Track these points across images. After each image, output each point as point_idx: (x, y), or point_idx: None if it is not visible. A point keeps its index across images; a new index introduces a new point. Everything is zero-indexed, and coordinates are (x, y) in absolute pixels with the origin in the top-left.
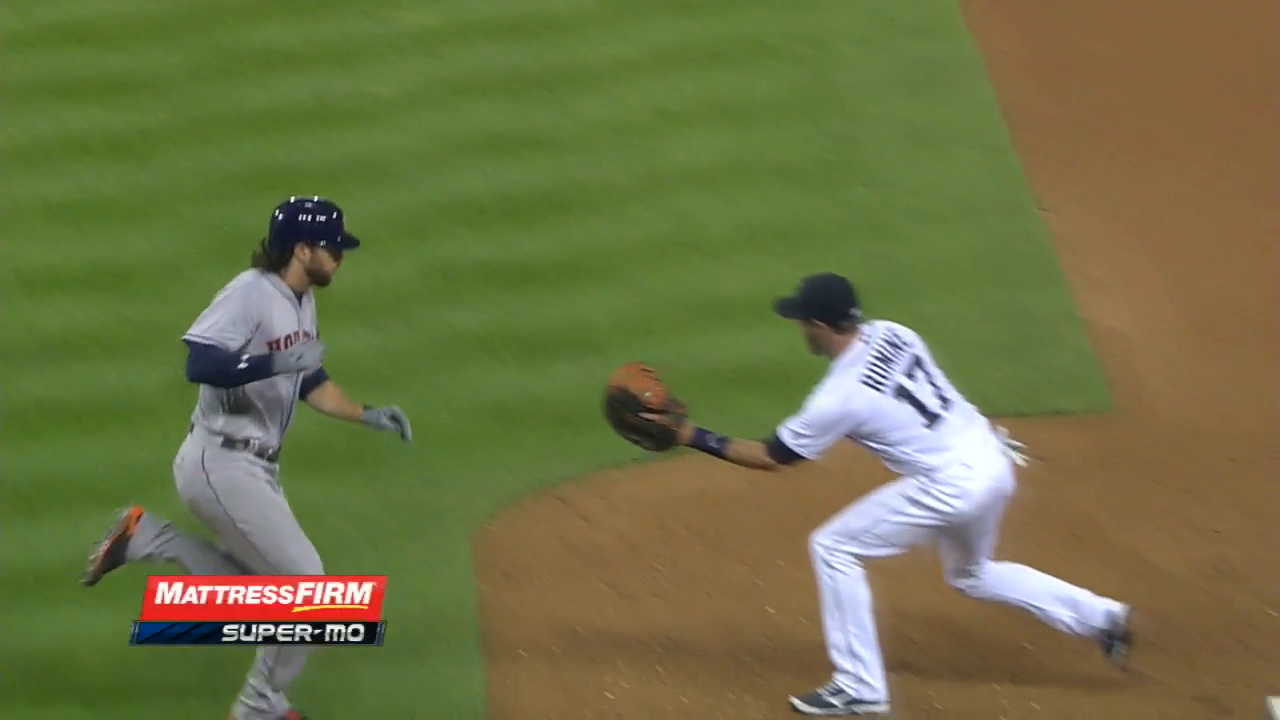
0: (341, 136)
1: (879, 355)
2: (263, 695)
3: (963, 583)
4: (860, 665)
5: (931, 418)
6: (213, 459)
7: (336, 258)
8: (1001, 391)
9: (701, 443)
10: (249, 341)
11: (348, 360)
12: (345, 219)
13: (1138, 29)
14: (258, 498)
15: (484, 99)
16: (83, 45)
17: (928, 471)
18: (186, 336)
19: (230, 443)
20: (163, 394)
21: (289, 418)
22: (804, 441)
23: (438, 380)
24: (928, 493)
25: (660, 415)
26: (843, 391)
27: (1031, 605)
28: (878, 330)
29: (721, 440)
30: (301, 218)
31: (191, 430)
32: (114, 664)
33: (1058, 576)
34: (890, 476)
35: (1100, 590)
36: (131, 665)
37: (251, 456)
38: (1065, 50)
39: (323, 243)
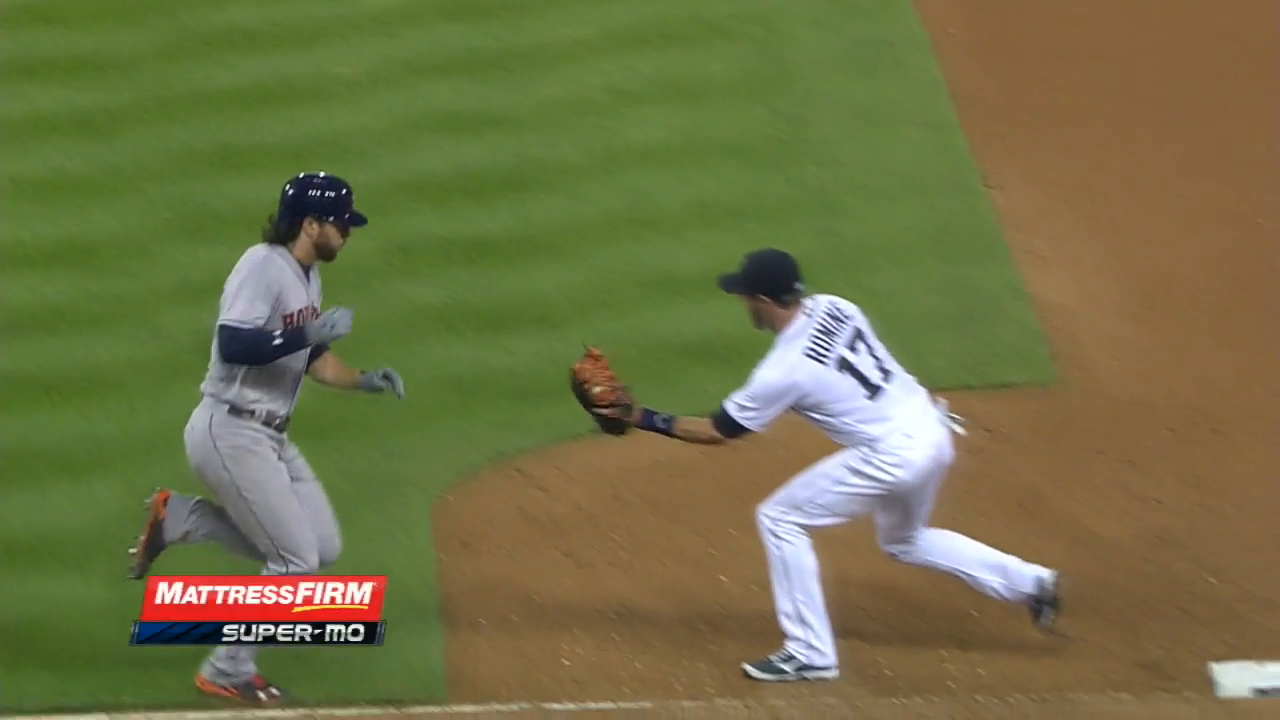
0: (303, 115)
1: (821, 328)
2: (232, 657)
3: (895, 548)
4: (810, 632)
5: (873, 389)
6: (220, 425)
7: (344, 234)
8: (948, 364)
9: (649, 424)
10: (273, 314)
11: None
12: (354, 196)
13: (1080, 11)
14: (263, 469)
15: (443, 79)
16: (50, 26)
17: (870, 442)
18: (223, 322)
19: (237, 410)
20: (128, 367)
21: (298, 387)
22: (749, 414)
23: (397, 354)
24: (869, 462)
25: (609, 409)
26: (787, 364)
27: (961, 571)
28: (820, 304)
29: (668, 419)
30: (311, 193)
31: (201, 398)
32: (81, 632)
33: (1003, 546)
34: (834, 447)
35: (1044, 558)
36: (97, 634)
37: (258, 425)
38: (1010, 31)
39: (331, 218)
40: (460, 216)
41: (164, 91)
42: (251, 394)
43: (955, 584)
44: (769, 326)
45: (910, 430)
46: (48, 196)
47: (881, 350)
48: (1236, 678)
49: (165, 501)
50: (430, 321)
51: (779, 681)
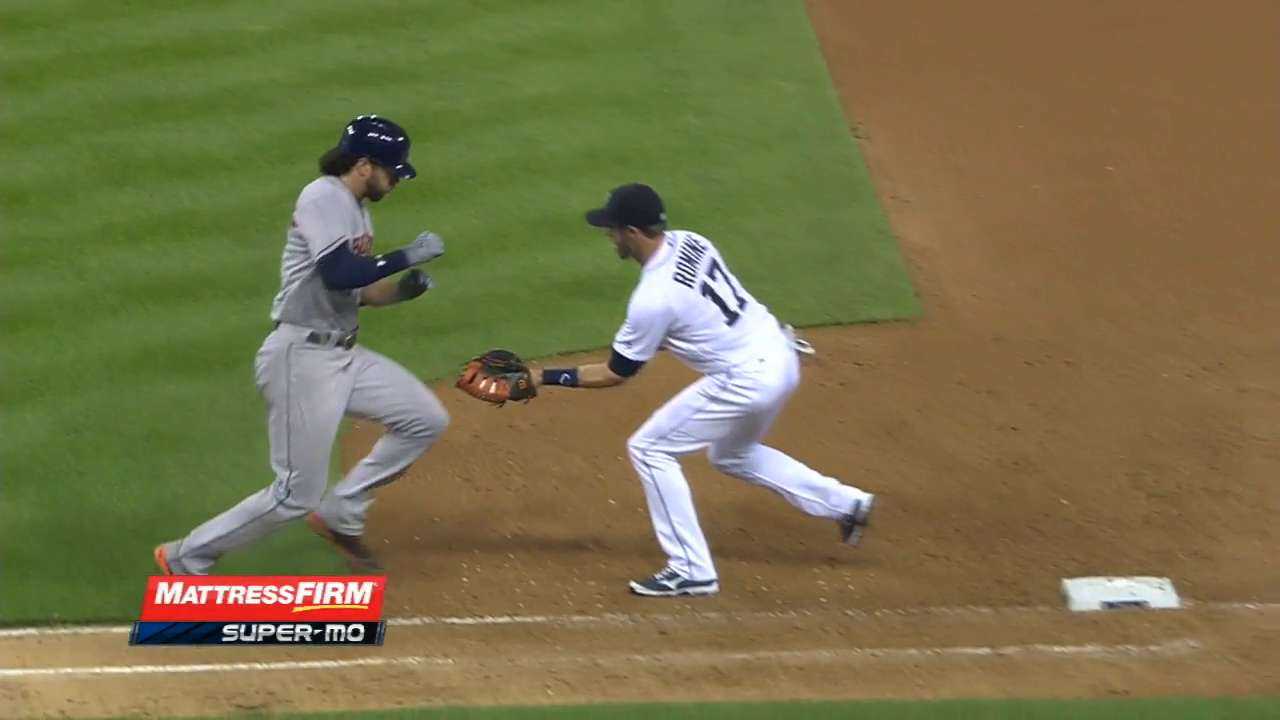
0: (217, 69)
1: (684, 256)
2: (202, 548)
3: (726, 461)
4: (689, 550)
5: (731, 315)
6: (298, 352)
7: (393, 180)
8: (820, 302)
9: (555, 382)
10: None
11: (224, 274)
12: (409, 148)
13: None
14: (320, 407)
15: (348, 35)
16: None
17: (727, 369)
18: (322, 253)
19: (315, 337)
20: (55, 304)
21: (357, 308)
22: (636, 347)
23: None
24: (727, 389)
25: (513, 400)
26: (659, 289)
27: (782, 489)
28: (679, 236)
29: (571, 374)
30: (370, 135)
31: (276, 327)
32: (11, 552)
33: (871, 471)
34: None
35: (910, 482)
36: (27, 553)
37: (332, 348)
38: None
39: (384, 164)
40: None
41: (87, 47)
42: (326, 320)
43: None
44: (635, 257)
45: (764, 355)
46: None
47: (735, 280)
48: (1087, 593)
49: (163, 555)
50: None
51: (663, 597)
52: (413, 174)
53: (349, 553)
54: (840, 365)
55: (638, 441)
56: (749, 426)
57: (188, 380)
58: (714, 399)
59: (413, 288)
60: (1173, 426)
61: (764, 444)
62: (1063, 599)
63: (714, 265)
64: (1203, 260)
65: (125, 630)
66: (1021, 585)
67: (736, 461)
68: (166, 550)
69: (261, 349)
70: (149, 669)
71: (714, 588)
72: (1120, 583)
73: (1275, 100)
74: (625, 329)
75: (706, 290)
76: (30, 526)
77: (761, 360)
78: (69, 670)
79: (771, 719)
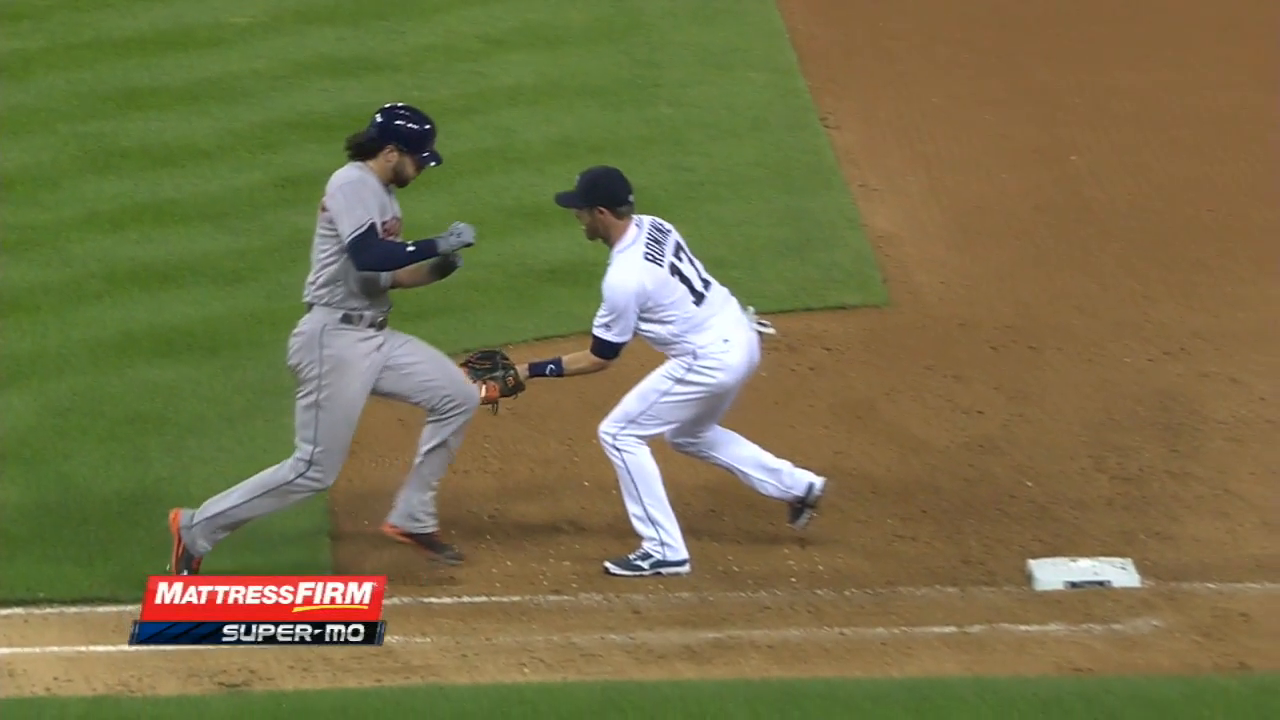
0: (200, 60)
1: (651, 238)
2: (215, 518)
3: (683, 440)
4: (661, 530)
5: (698, 296)
6: (331, 333)
7: (418, 167)
8: (790, 288)
9: (542, 374)
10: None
11: (206, 261)
12: (436, 137)
13: None
14: (349, 388)
15: (327, 27)
16: None
17: (692, 351)
18: (351, 235)
19: (348, 319)
20: (41, 291)
21: (389, 290)
22: (615, 329)
23: (285, 277)
24: (693, 370)
25: (503, 398)
26: (631, 268)
27: (737, 469)
28: (644, 220)
29: (556, 364)
30: (397, 123)
31: (310, 309)
32: None
33: (840, 454)
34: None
35: (878, 464)
36: (13, 533)
37: (365, 330)
38: None
39: (410, 151)
40: (343, 153)
41: (72, 38)
42: (359, 301)
43: None
44: (603, 238)
45: (728, 335)
46: None
47: (699, 263)
48: (1051, 572)
49: (177, 519)
50: None
51: (636, 577)
52: (439, 161)
53: (428, 550)
54: (810, 350)
55: (607, 427)
56: (712, 407)
57: (171, 365)
58: (680, 381)
59: (444, 268)
60: (1135, 410)
61: (721, 425)
62: (1027, 578)
63: (679, 247)
64: (1164, 247)
65: (110, 610)
66: (987, 565)
67: (693, 441)
68: (181, 516)
69: (295, 330)
70: (133, 648)
71: (686, 568)
72: (1083, 563)
73: (1235, 90)
74: (602, 312)
75: (675, 271)
76: (16, 508)
77: (726, 341)
78: (55, 649)
79: (742, 696)
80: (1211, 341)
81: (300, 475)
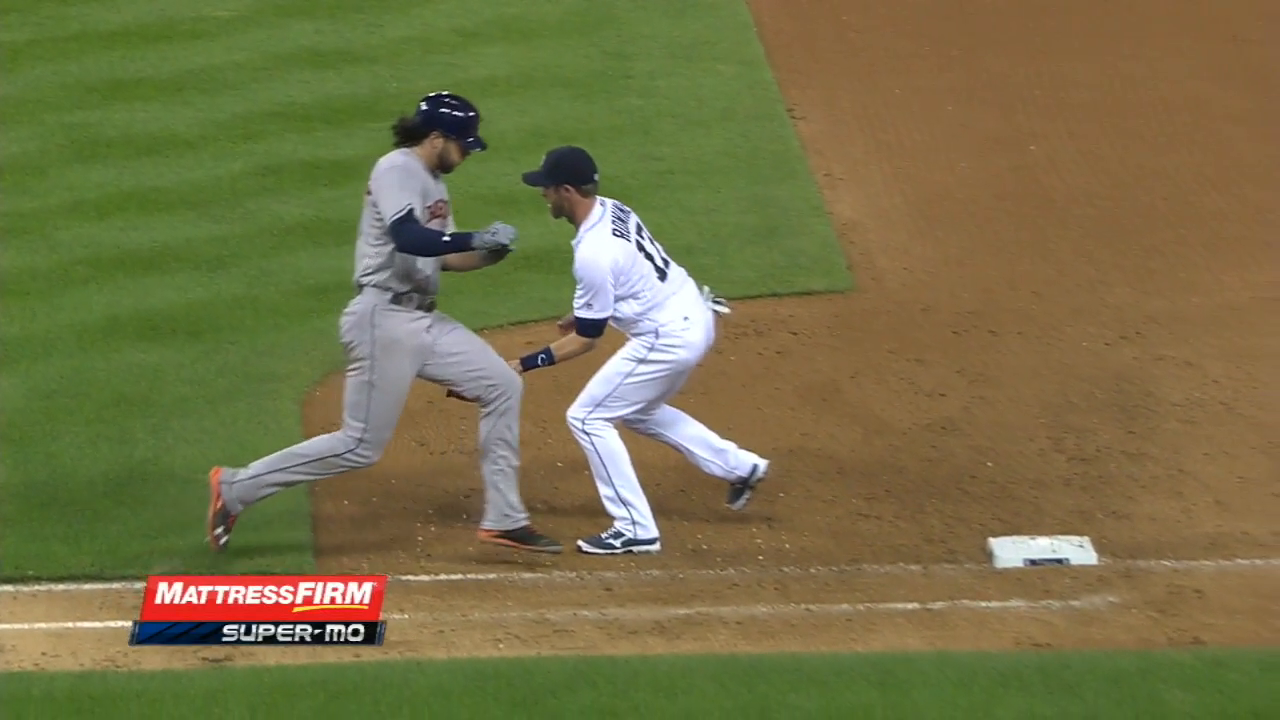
0: (183, 52)
1: (615, 215)
2: (259, 479)
3: (632, 416)
4: (633, 510)
5: (661, 273)
6: (382, 313)
7: (463, 153)
8: (757, 274)
9: (535, 366)
10: (423, 207)
11: (189, 247)
12: (480, 123)
13: None
14: (399, 367)
15: (307, 20)
16: None
17: (655, 329)
18: (392, 218)
19: (398, 299)
20: (29, 276)
21: (437, 271)
22: (596, 306)
23: (267, 263)
24: (655, 349)
25: None
26: (602, 244)
27: (684, 447)
28: (607, 201)
29: (546, 354)
30: (443, 111)
31: (360, 290)
32: None
33: (806, 435)
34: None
35: (843, 444)
36: (3, 512)
37: (413, 311)
38: None
39: (455, 137)
40: (322, 142)
41: (58, 31)
42: (408, 283)
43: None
44: (569, 216)
45: (688, 313)
46: None
47: (658, 244)
48: (1011, 550)
49: (218, 478)
50: (296, 235)
51: (608, 555)
52: (483, 146)
53: (525, 544)
54: (776, 334)
55: (575, 412)
56: (671, 385)
57: (155, 348)
58: (643, 360)
59: (496, 254)
60: (1091, 392)
61: (670, 404)
62: (988, 556)
63: (639, 227)
64: (1119, 234)
65: (96, 587)
66: (948, 543)
67: (643, 419)
68: (223, 473)
69: (346, 310)
70: (119, 624)
71: (656, 546)
72: (1042, 541)
73: (1188, 82)
74: (579, 292)
75: (640, 247)
76: (4, 488)
77: (686, 319)
78: (43, 625)
79: (710, 670)
80: (1166, 326)
81: (350, 450)
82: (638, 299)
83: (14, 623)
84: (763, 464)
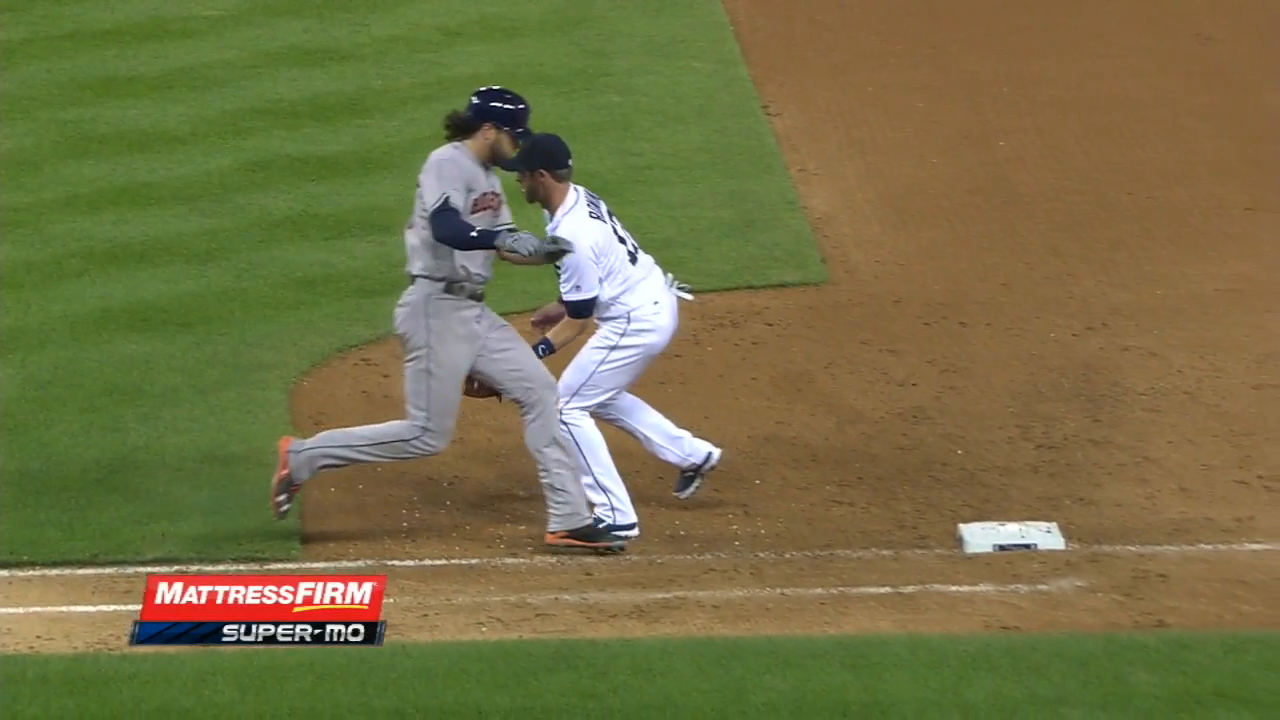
0: (173, 50)
1: (589, 200)
2: (328, 451)
3: (607, 400)
4: (611, 496)
5: (632, 257)
6: (435, 302)
7: (515, 144)
8: (733, 267)
9: (536, 356)
10: (466, 200)
11: (179, 241)
12: (530, 115)
13: None
14: (455, 355)
15: (294, 19)
16: None
17: (626, 314)
18: (429, 208)
19: (450, 289)
20: (24, 268)
21: (488, 263)
22: (583, 287)
23: (255, 256)
24: (626, 334)
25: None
26: (580, 226)
27: (642, 433)
28: (579, 188)
29: (545, 345)
30: (494, 103)
31: (413, 281)
32: None
33: (781, 423)
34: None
35: (816, 433)
36: None
37: (465, 300)
38: None
39: (506, 128)
40: (309, 138)
41: (52, 30)
42: (458, 273)
43: (742, 456)
44: (544, 203)
45: (657, 298)
46: None
47: (628, 233)
48: (980, 536)
49: (287, 448)
50: (284, 229)
51: None
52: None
53: (593, 543)
54: (752, 325)
55: None
56: (640, 370)
57: (146, 339)
58: (615, 347)
59: (551, 253)
60: (1059, 381)
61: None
62: (958, 542)
63: (611, 213)
64: (1086, 227)
65: (89, 572)
66: (919, 529)
67: (605, 406)
68: (291, 442)
69: (400, 301)
70: (111, 608)
71: (635, 532)
72: (1011, 527)
73: (1151, 78)
74: (564, 277)
75: (614, 231)
76: (0, 475)
77: (656, 303)
78: (37, 609)
79: (688, 653)
80: (1131, 317)
81: (416, 438)
82: (612, 281)
83: (9, 607)
84: (716, 452)
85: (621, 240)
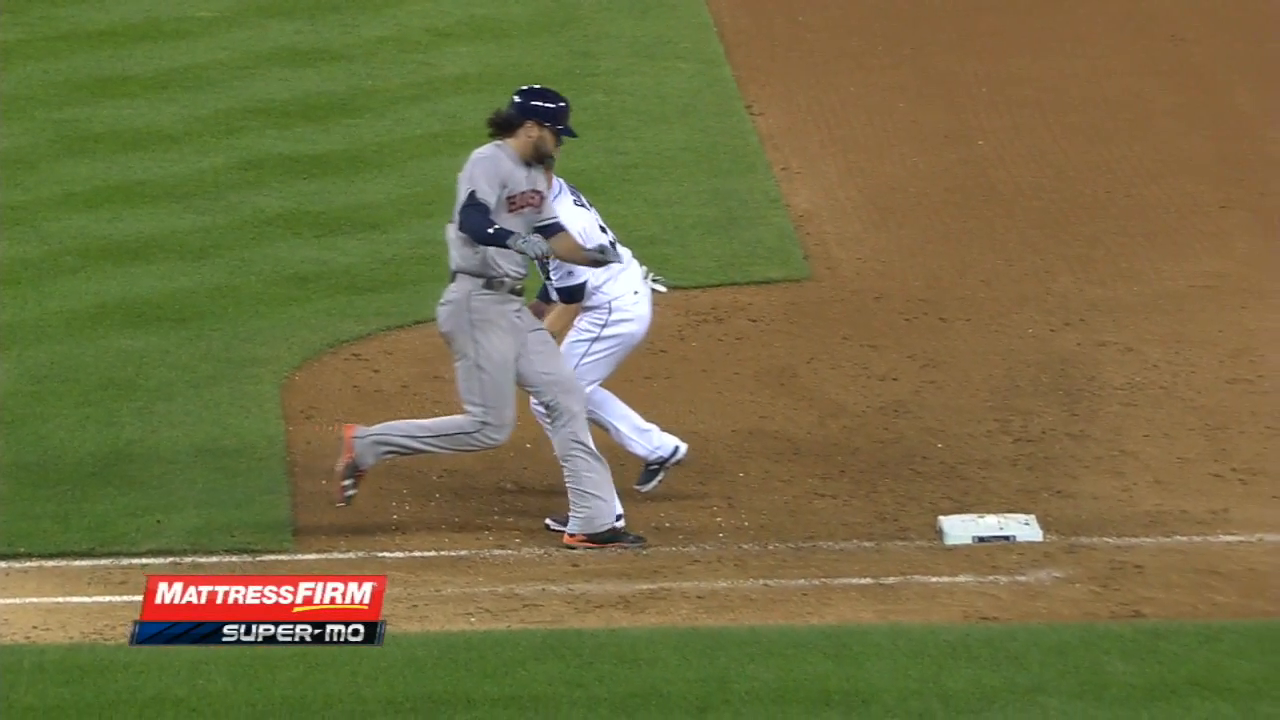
0: (168, 50)
1: (571, 189)
2: (392, 439)
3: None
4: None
5: (614, 247)
6: (477, 297)
7: (557, 141)
8: (717, 264)
9: None
10: (499, 197)
11: (173, 238)
12: (570, 112)
13: None
14: (502, 346)
15: (286, 20)
16: None
17: (607, 303)
18: (460, 202)
19: (490, 284)
20: (20, 265)
21: (526, 260)
22: (575, 273)
23: (248, 253)
24: (608, 325)
25: None
26: (568, 214)
27: (611, 424)
28: (560, 179)
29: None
30: (535, 101)
31: (454, 278)
32: None
33: (765, 418)
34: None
35: (800, 426)
36: None
37: (506, 294)
38: None
39: (549, 125)
40: (301, 137)
41: (49, 31)
42: (498, 269)
43: (726, 450)
44: None
45: (636, 288)
46: None
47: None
48: (960, 528)
49: (352, 435)
50: (276, 226)
51: None
52: (574, 134)
53: (609, 545)
54: (735, 321)
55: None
56: (620, 361)
57: (140, 334)
58: (597, 339)
59: (597, 259)
60: (1037, 376)
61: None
62: (938, 533)
63: (590, 204)
64: (1063, 225)
65: (85, 563)
66: (900, 521)
67: None
68: (356, 429)
69: (442, 300)
70: (106, 599)
71: (621, 524)
72: (990, 519)
73: (1127, 77)
74: (552, 265)
75: (597, 220)
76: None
77: (636, 293)
78: (33, 600)
79: (673, 642)
80: (1108, 313)
81: (478, 431)
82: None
83: (6, 598)
84: (683, 447)
85: (603, 229)
